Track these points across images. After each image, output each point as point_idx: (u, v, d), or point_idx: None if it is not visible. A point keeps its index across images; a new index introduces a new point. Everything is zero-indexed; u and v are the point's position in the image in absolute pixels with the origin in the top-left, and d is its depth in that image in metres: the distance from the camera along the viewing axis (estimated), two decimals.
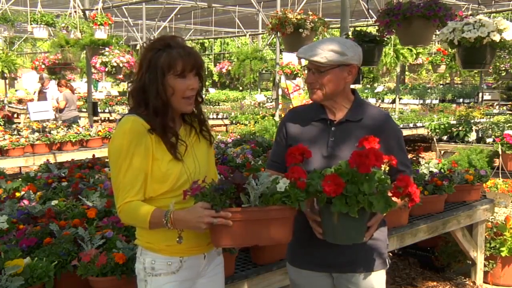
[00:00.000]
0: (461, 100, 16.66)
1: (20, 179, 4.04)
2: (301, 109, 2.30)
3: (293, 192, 1.72)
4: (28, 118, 10.98)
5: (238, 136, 7.18)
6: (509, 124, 8.08)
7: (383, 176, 1.75)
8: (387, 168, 1.80)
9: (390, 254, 4.66)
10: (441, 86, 21.89)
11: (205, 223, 1.68)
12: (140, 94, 1.85)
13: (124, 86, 26.42)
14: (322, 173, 1.78)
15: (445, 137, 8.32)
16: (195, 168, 1.90)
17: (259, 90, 21.31)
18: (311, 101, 2.17)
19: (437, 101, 16.29)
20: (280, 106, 12.05)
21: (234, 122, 12.96)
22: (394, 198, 1.77)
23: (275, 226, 1.76)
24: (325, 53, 1.99)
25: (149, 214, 1.76)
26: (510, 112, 13.09)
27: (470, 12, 10.76)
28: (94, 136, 8.10)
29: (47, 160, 4.99)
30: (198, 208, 1.70)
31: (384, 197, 1.72)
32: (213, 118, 13.97)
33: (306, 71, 2.12)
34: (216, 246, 1.92)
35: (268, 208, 1.72)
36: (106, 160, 6.27)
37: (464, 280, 4.40)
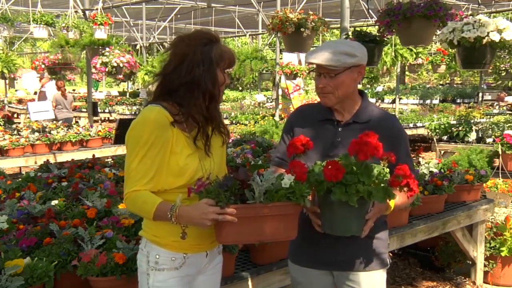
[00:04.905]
0: (461, 100, 16.68)
1: (20, 179, 4.03)
2: (308, 108, 2.30)
3: (298, 188, 1.72)
4: (28, 118, 11.00)
5: (238, 136, 7.18)
6: (509, 124, 8.08)
7: (382, 169, 1.76)
8: (386, 165, 1.80)
9: (390, 254, 4.66)
10: (441, 86, 21.92)
11: (210, 219, 1.68)
12: (188, 85, 1.83)
13: (124, 86, 26.42)
14: (323, 164, 1.79)
15: (445, 137, 8.32)
16: (210, 166, 1.91)
17: (259, 90, 21.32)
18: (312, 101, 2.17)
19: (437, 101, 16.31)
20: (280, 106, 12.05)
21: (234, 122, 12.95)
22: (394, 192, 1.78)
23: (280, 222, 1.76)
24: (337, 56, 1.98)
25: (155, 206, 1.76)
26: (510, 112, 13.08)
27: (470, 12, 10.76)
28: (94, 136, 8.10)
29: (47, 160, 4.98)
30: (203, 205, 1.69)
31: (384, 187, 1.74)
32: None
33: (315, 76, 2.09)
34: (221, 243, 1.92)
35: (273, 205, 1.71)
36: (106, 160, 6.27)
37: (464, 280, 4.40)
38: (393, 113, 2.85)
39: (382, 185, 1.75)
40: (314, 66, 2.07)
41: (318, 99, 2.14)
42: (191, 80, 1.82)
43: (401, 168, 1.76)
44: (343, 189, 1.71)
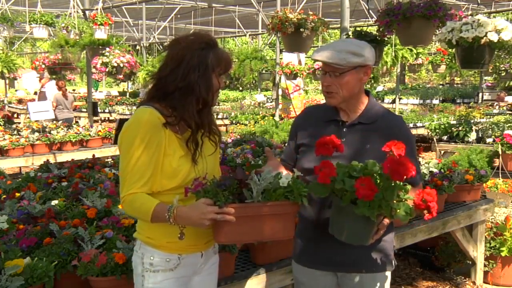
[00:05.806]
0: (461, 100, 16.69)
1: (20, 179, 4.04)
2: (313, 110, 2.30)
3: (296, 187, 1.71)
4: (28, 118, 11.01)
5: (238, 136, 7.18)
6: (509, 124, 8.08)
7: (407, 186, 1.74)
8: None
9: None
10: (441, 86, 21.93)
11: (208, 219, 1.68)
12: (183, 90, 1.83)
13: (124, 86, 26.43)
14: (348, 171, 1.74)
15: (445, 137, 8.32)
16: (203, 167, 1.91)
17: (259, 90, 21.31)
18: (312, 101, 2.16)
19: (437, 101, 16.32)
20: (280, 106, 12.05)
21: (234, 122, 12.95)
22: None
23: (279, 221, 1.76)
24: (343, 55, 1.97)
25: (152, 208, 1.75)
26: (510, 112, 13.08)
27: (470, 12, 10.76)
28: (94, 136, 8.10)
29: (47, 160, 4.98)
30: (201, 205, 1.69)
31: (405, 205, 1.72)
32: None
33: (321, 74, 2.09)
34: (219, 243, 1.91)
35: (272, 203, 1.71)
36: (106, 160, 6.27)
37: (464, 280, 4.40)
38: (400, 115, 2.81)
39: (404, 203, 1.72)
40: (321, 64, 2.05)
41: (318, 99, 2.14)
42: (187, 84, 1.83)
43: (430, 193, 1.74)
44: (367, 204, 1.66)
